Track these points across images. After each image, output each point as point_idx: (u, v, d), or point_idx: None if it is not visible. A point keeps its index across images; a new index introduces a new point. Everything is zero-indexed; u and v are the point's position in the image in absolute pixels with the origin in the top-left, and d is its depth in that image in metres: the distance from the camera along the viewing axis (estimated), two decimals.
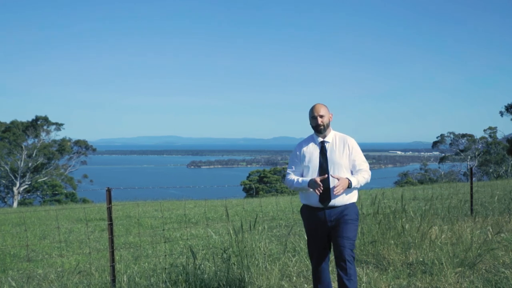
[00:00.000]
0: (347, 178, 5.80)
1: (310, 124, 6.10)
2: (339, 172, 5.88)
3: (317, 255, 6.12)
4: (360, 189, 6.42)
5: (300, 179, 6.03)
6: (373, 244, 8.32)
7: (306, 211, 6.12)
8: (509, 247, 8.52)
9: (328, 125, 6.06)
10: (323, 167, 5.93)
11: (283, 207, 17.24)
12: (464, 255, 7.60)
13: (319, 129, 5.99)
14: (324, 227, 5.94)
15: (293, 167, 6.21)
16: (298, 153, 6.19)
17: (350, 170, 5.99)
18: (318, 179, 5.74)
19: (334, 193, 5.67)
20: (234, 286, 6.89)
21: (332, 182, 5.84)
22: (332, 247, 6.03)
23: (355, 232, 5.93)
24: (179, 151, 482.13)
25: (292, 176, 6.14)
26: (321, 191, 5.74)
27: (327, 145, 6.03)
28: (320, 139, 6.06)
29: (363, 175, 5.94)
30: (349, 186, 5.77)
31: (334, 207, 5.89)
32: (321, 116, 5.98)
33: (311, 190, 5.84)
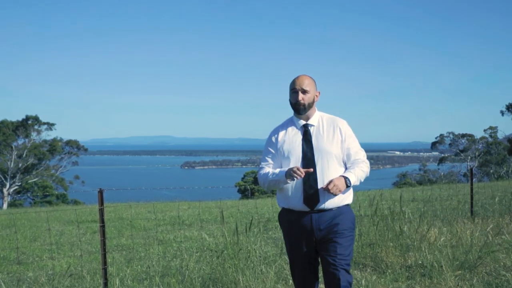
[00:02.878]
0: (342, 176, 4.76)
1: (289, 100, 4.98)
2: (328, 163, 4.80)
3: (301, 278, 5.08)
4: (357, 190, 5.59)
5: (277, 170, 4.91)
6: (371, 246, 8.32)
7: (286, 217, 5.06)
8: (510, 249, 8.53)
9: (311, 105, 4.93)
10: (308, 157, 4.83)
11: (279, 209, 17.22)
12: (464, 258, 7.61)
13: (298, 108, 4.89)
14: (310, 239, 4.88)
15: (268, 158, 5.07)
16: (273, 139, 5.07)
17: (343, 160, 4.92)
18: (299, 167, 4.65)
19: (332, 193, 4.62)
20: None
21: (321, 179, 4.78)
22: (320, 265, 5.01)
23: (351, 246, 4.93)
24: (173, 151, 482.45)
25: (266, 169, 5.02)
26: (302, 175, 4.62)
27: (311, 129, 4.95)
28: (302, 122, 4.97)
29: (361, 168, 4.90)
30: (348, 185, 4.73)
31: (323, 210, 4.83)
32: (304, 92, 4.86)
33: (290, 181, 4.78)
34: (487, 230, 9.52)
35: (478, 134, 75.54)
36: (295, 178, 4.69)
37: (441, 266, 7.25)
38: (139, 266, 8.94)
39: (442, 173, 71.21)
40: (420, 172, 76.68)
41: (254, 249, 7.53)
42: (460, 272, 7.21)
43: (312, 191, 4.78)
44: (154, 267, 8.44)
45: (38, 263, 10.29)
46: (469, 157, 71.15)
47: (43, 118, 64.25)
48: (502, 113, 62.56)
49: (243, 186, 63.38)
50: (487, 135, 70.99)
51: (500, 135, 69.97)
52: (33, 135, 62.69)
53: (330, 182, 4.67)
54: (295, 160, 4.86)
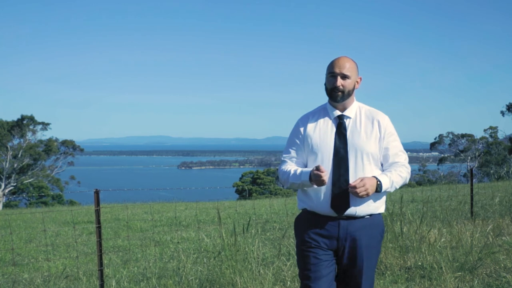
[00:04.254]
0: (374, 176, 4.02)
1: (325, 85, 4.23)
2: (363, 163, 4.10)
3: None
4: None
5: (299, 170, 4.17)
6: None
7: (308, 221, 4.26)
8: (511, 250, 8.53)
9: (350, 93, 4.18)
10: (340, 154, 4.09)
11: (277, 210, 17.23)
12: (464, 259, 7.61)
13: (335, 96, 4.13)
14: (334, 251, 4.19)
15: (292, 151, 4.34)
16: (302, 129, 4.30)
17: (380, 161, 4.21)
18: (321, 168, 3.92)
19: (357, 193, 3.91)
20: None
21: (353, 179, 4.04)
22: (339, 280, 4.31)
23: (376, 262, 4.32)
24: (169, 152, 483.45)
25: (289, 166, 4.30)
26: (325, 182, 3.94)
27: (347, 121, 4.20)
28: (337, 112, 4.21)
29: (400, 172, 4.15)
30: (378, 190, 4.01)
31: (354, 217, 4.13)
32: (344, 77, 4.10)
33: (316, 186, 4.05)
34: (487, 231, 9.52)
35: (478, 134, 75.68)
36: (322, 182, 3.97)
37: (441, 268, 7.25)
38: (135, 268, 8.93)
39: (441, 174, 71.20)
40: (420, 173, 76.63)
41: (252, 250, 7.52)
42: (460, 273, 7.20)
43: (342, 194, 4.05)
44: (150, 268, 8.43)
45: (33, 265, 10.28)
46: (469, 158, 71.17)
47: (38, 118, 64.23)
48: (503, 113, 62.59)
49: (240, 187, 63.49)
50: (487, 135, 71.00)
51: (500, 135, 69.98)
52: (29, 135, 62.58)
53: (361, 180, 3.93)
54: (325, 156, 4.13)
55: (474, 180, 14.50)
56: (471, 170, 13.37)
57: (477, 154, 70.91)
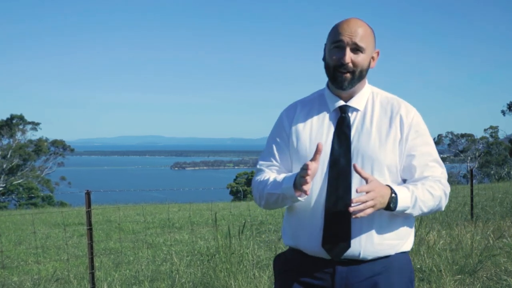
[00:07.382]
0: (388, 185, 2.53)
1: (325, 60, 2.76)
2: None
3: None
4: None
5: (280, 176, 2.72)
6: None
7: (292, 263, 2.85)
8: None
9: (363, 75, 2.72)
10: (340, 165, 2.65)
11: (272, 211, 17.23)
12: (464, 262, 7.60)
13: (341, 79, 2.67)
14: None
15: (272, 158, 2.89)
16: (286, 124, 2.87)
17: (400, 175, 2.75)
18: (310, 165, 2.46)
19: (354, 212, 2.43)
20: None
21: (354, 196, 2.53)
22: None
23: None
24: (162, 152, 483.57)
25: (266, 175, 2.84)
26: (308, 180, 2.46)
27: (353, 115, 2.75)
28: (340, 102, 2.76)
29: (430, 188, 2.69)
30: (391, 207, 2.52)
31: (358, 261, 2.67)
32: (357, 49, 2.64)
33: (303, 198, 2.59)
34: (488, 233, 9.52)
35: (478, 134, 75.67)
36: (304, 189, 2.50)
37: (440, 271, 7.23)
38: (127, 271, 8.92)
39: None
40: None
41: (247, 253, 7.52)
42: (460, 276, 7.20)
43: (339, 227, 2.63)
44: (143, 271, 8.42)
45: (23, 268, 10.26)
46: (469, 158, 71.14)
47: (28, 118, 64.18)
48: (503, 112, 62.60)
49: (235, 188, 63.43)
50: (487, 135, 70.96)
51: (501, 135, 69.95)
52: (18, 135, 62.41)
53: (366, 185, 2.46)
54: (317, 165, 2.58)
55: (474, 181, 14.52)
56: (471, 170, 13.39)
57: (477, 154, 70.89)
